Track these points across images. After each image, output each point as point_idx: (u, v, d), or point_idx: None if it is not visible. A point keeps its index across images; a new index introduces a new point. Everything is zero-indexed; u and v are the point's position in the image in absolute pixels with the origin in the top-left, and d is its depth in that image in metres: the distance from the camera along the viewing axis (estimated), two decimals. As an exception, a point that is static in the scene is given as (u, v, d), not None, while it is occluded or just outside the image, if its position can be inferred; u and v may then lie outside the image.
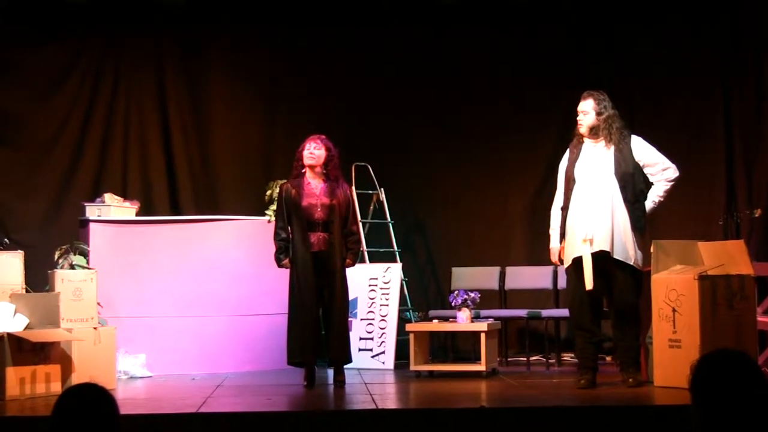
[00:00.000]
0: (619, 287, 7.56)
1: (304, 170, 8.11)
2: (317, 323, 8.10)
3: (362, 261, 9.78)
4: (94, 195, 9.70)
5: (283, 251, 8.04)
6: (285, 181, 8.29)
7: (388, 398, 7.50)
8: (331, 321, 8.04)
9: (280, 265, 8.09)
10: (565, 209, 7.70)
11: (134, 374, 8.81)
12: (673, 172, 7.65)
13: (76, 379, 7.51)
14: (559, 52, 10.62)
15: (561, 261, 7.74)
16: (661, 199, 7.66)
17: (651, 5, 10.44)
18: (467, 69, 10.71)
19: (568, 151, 7.80)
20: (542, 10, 10.49)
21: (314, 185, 8.05)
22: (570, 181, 7.68)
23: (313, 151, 8.06)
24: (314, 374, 8.09)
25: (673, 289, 7.33)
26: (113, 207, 9.25)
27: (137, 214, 9.44)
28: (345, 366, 8.16)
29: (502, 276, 10.17)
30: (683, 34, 10.51)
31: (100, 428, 3.06)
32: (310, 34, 10.56)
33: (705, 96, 10.51)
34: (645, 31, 10.55)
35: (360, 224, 9.44)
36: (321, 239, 7.99)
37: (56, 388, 7.50)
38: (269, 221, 9.48)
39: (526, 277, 10.15)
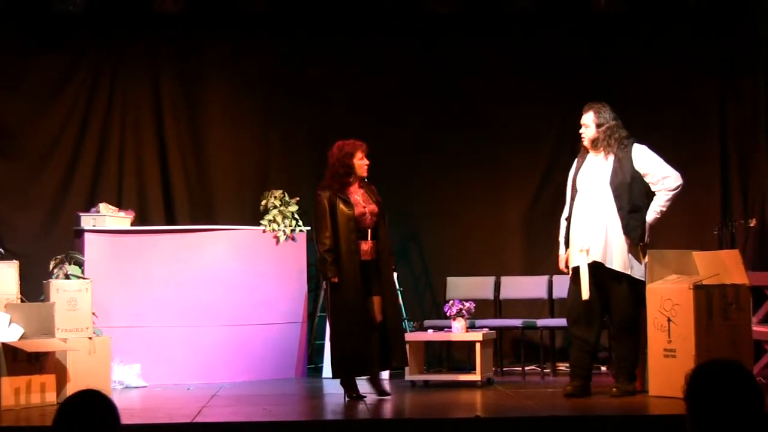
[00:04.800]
0: (615, 297, 7.58)
1: (351, 179, 7.93)
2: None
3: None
4: (90, 205, 9.69)
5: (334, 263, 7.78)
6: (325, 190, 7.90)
7: (383, 408, 7.50)
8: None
9: (327, 277, 7.83)
10: (568, 219, 7.76)
11: (129, 384, 8.80)
12: (673, 181, 7.61)
13: (71, 389, 7.50)
14: (557, 61, 10.62)
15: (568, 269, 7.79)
16: (663, 209, 7.62)
17: (648, 14, 10.45)
18: (463, 78, 10.70)
19: (576, 160, 7.86)
20: (538, 18, 10.49)
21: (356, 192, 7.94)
22: (573, 191, 7.74)
23: (367, 161, 7.94)
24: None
25: (668, 298, 7.35)
26: (108, 217, 9.23)
27: (132, 224, 9.42)
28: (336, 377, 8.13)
29: (497, 286, 10.18)
30: (680, 45, 10.53)
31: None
32: (306, 44, 10.56)
33: (701, 106, 10.53)
34: (642, 40, 10.56)
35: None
36: (371, 247, 7.89)
37: (51, 398, 7.51)
38: (264, 231, 9.49)
39: (521, 286, 10.16)
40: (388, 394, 7.87)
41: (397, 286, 9.72)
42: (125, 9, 10.26)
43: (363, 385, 7.93)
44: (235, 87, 10.62)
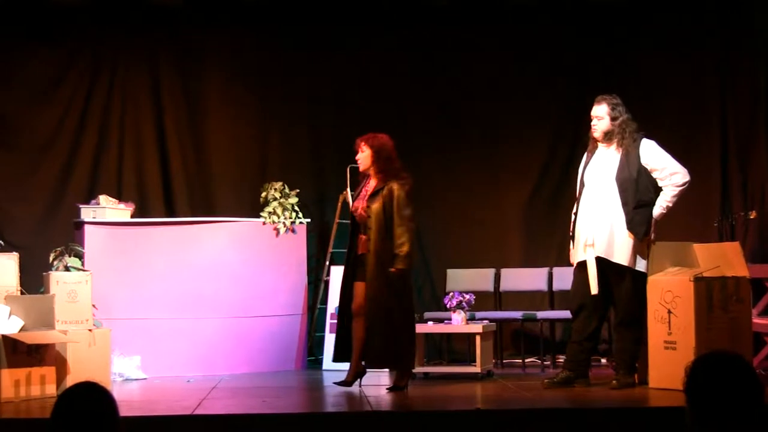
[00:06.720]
0: (619, 292, 7.60)
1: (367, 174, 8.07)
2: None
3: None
4: (90, 197, 9.68)
5: None
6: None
7: (383, 400, 7.49)
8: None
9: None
10: (575, 213, 7.76)
11: (129, 376, 8.79)
12: (681, 177, 7.60)
13: (70, 381, 7.49)
14: (555, 53, 10.60)
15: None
16: (669, 204, 7.62)
17: (647, 6, 10.44)
18: (462, 70, 10.68)
19: (585, 155, 7.84)
20: (538, 11, 10.47)
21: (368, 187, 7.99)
22: (581, 186, 7.74)
23: (357, 156, 8.00)
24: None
25: (669, 290, 7.34)
26: (108, 209, 9.22)
27: (132, 216, 9.42)
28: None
29: (497, 278, 10.16)
30: (680, 37, 10.51)
31: (101, 427, 3.07)
32: (306, 35, 10.53)
33: (700, 98, 10.51)
34: (641, 34, 10.55)
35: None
36: (362, 241, 7.88)
37: (51, 390, 7.50)
38: (264, 223, 9.49)
39: (521, 278, 10.15)
40: (392, 389, 7.77)
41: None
42: (124, 0, 10.24)
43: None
44: (235, 80, 10.60)
